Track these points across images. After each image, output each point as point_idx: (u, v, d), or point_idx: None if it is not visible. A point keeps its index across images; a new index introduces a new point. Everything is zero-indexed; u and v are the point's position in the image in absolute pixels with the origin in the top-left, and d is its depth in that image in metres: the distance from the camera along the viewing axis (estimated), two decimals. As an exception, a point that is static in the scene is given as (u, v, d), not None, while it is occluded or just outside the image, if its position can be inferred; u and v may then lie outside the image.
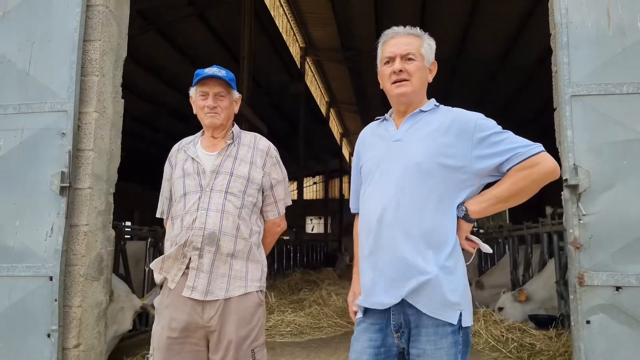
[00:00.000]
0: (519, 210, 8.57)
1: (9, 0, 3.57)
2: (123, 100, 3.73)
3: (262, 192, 2.34)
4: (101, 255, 3.46)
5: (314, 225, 32.94)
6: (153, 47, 13.41)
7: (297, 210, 17.97)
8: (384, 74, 1.92)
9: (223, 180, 2.23)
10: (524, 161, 1.72)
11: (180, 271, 2.17)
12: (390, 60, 1.89)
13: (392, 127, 1.92)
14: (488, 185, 1.84)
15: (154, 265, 2.25)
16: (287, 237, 15.73)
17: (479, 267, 9.53)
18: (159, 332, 2.17)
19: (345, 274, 13.04)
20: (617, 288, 2.79)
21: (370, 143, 1.99)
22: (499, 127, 1.80)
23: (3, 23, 3.54)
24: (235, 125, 2.43)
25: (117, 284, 4.79)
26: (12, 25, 3.53)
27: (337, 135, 28.79)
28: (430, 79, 1.95)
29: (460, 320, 1.69)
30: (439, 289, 1.69)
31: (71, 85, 3.32)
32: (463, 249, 1.82)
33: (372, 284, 1.79)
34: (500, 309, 6.03)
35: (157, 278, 2.26)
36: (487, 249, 1.86)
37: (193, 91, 2.35)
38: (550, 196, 4.60)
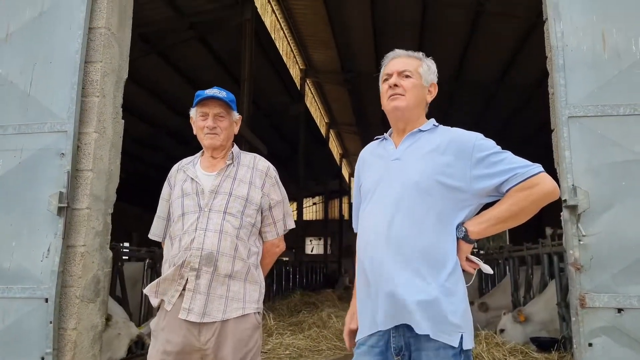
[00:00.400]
0: (519, 231, 8.53)
1: (12, 23, 3.61)
2: (123, 121, 3.74)
3: (261, 213, 2.33)
4: (98, 276, 3.43)
5: (314, 246, 32.78)
6: (154, 70, 13.53)
7: (297, 231, 17.90)
8: (382, 91, 1.95)
9: (222, 201, 2.22)
10: (524, 182, 1.72)
11: (177, 292, 2.15)
12: (388, 77, 1.93)
13: (391, 146, 1.93)
14: (487, 205, 1.84)
15: (149, 290, 2.22)
16: (287, 258, 15.64)
17: (479, 288, 9.45)
18: (154, 355, 2.14)
19: (345, 296, 12.92)
20: (619, 310, 2.76)
21: (370, 162, 2.00)
22: (498, 147, 1.81)
23: (6, 45, 3.58)
24: (235, 145, 2.44)
25: (115, 309, 4.73)
26: (15, 48, 3.56)
27: (336, 156, 28.86)
28: (429, 99, 1.97)
29: (461, 342, 1.67)
30: (440, 311, 1.67)
31: (71, 106, 3.34)
32: (463, 270, 1.80)
33: (372, 308, 1.77)
34: (502, 330, 5.96)
35: (154, 302, 2.24)
36: (487, 269, 1.84)
37: (193, 112, 2.36)
38: (550, 217, 4.59)
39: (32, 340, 3.12)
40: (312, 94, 21.01)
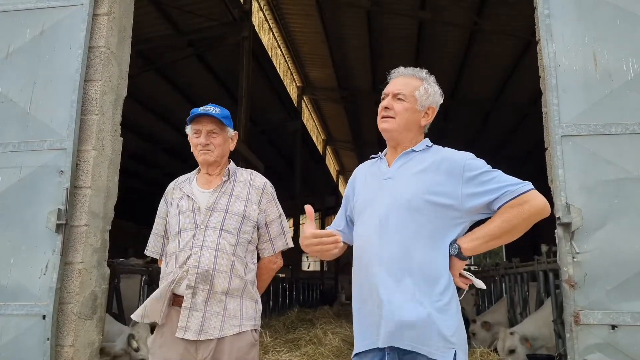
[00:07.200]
0: (515, 248, 8.55)
1: (13, 42, 3.66)
2: (122, 138, 3.78)
3: (258, 230, 2.35)
4: (95, 293, 3.43)
5: (310, 263, 32.63)
6: (152, 87, 13.59)
7: (293, 248, 17.82)
8: (379, 109, 1.98)
9: (218, 218, 2.24)
10: (514, 199, 1.74)
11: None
12: (385, 96, 1.96)
13: (385, 166, 1.97)
14: (477, 223, 1.87)
15: (137, 315, 2.20)
16: (283, 275, 15.57)
17: (477, 305, 9.43)
18: (152, 373, 2.15)
19: (342, 313, 12.85)
20: (613, 327, 2.78)
21: (364, 180, 2.03)
22: (488, 166, 1.84)
23: (6, 64, 3.62)
24: (232, 162, 2.46)
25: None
26: (15, 66, 3.61)
27: (333, 173, 28.89)
28: (423, 122, 1.96)
29: (454, 359, 1.69)
30: (433, 327, 1.69)
31: (71, 123, 3.38)
32: (457, 286, 1.83)
33: (368, 325, 1.79)
34: (511, 351, 5.92)
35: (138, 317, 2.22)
36: (480, 284, 1.86)
37: (188, 129, 2.39)
38: (545, 234, 4.62)
39: (29, 357, 3.10)
40: (309, 111, 21.13)
